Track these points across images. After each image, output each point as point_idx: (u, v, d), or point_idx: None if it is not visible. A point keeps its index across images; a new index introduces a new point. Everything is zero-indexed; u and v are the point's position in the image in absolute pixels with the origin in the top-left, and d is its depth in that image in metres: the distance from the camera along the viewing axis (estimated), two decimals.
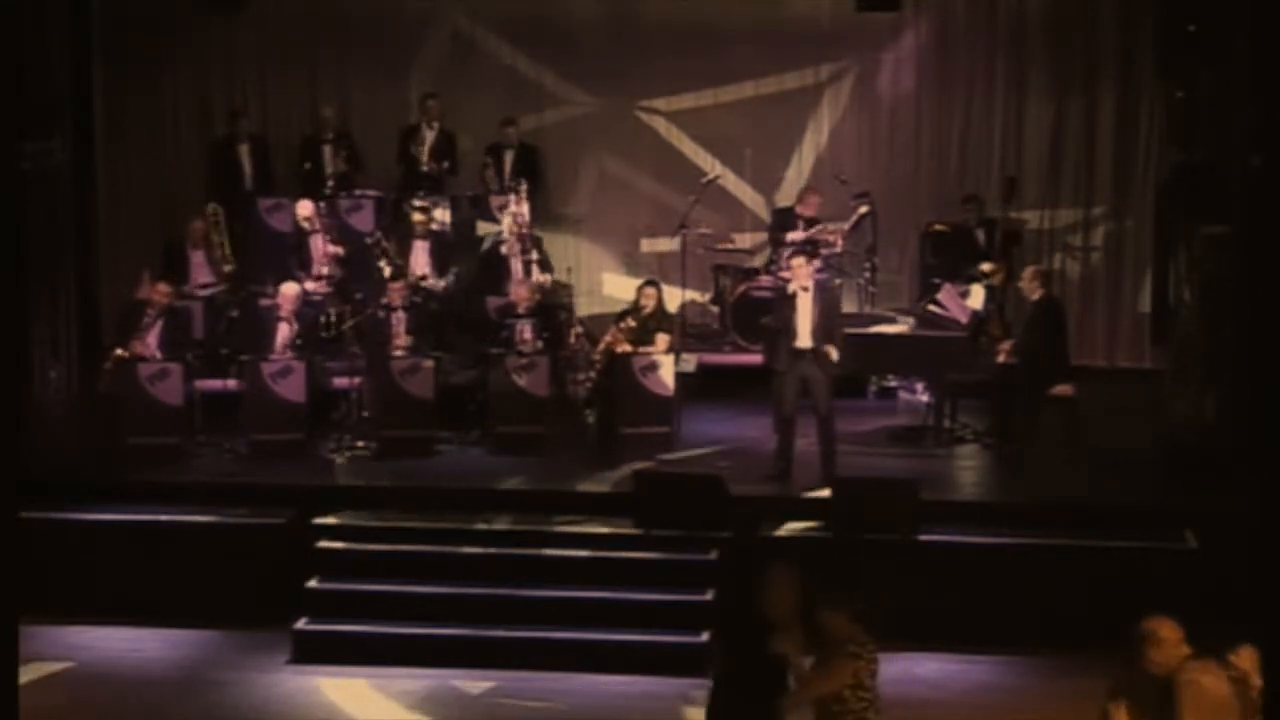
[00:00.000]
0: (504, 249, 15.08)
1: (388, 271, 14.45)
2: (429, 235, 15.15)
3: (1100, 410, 14.01)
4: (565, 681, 11.44)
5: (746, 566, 11.72)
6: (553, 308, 14.66)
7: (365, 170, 16.31)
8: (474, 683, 11.49)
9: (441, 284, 14.94)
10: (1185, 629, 7.73)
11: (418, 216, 15.14)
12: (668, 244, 16.46)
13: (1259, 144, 12.57)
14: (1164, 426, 13.73)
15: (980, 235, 15.68)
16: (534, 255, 14.95)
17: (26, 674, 11.17)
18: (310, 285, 14.67)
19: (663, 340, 14.01)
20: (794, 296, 12.90)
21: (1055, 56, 16.23)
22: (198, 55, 16.82)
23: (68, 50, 15.02)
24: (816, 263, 13.50)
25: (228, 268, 15.26)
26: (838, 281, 15.29)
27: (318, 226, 15.01)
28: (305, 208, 15.05)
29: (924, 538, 12.21)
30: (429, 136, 16.06)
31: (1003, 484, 13.30)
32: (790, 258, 13.58)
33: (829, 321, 12.98)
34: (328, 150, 16.01)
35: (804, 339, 12.85)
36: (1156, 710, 7.46)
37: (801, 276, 12.94)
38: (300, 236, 15.06)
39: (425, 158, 15.98)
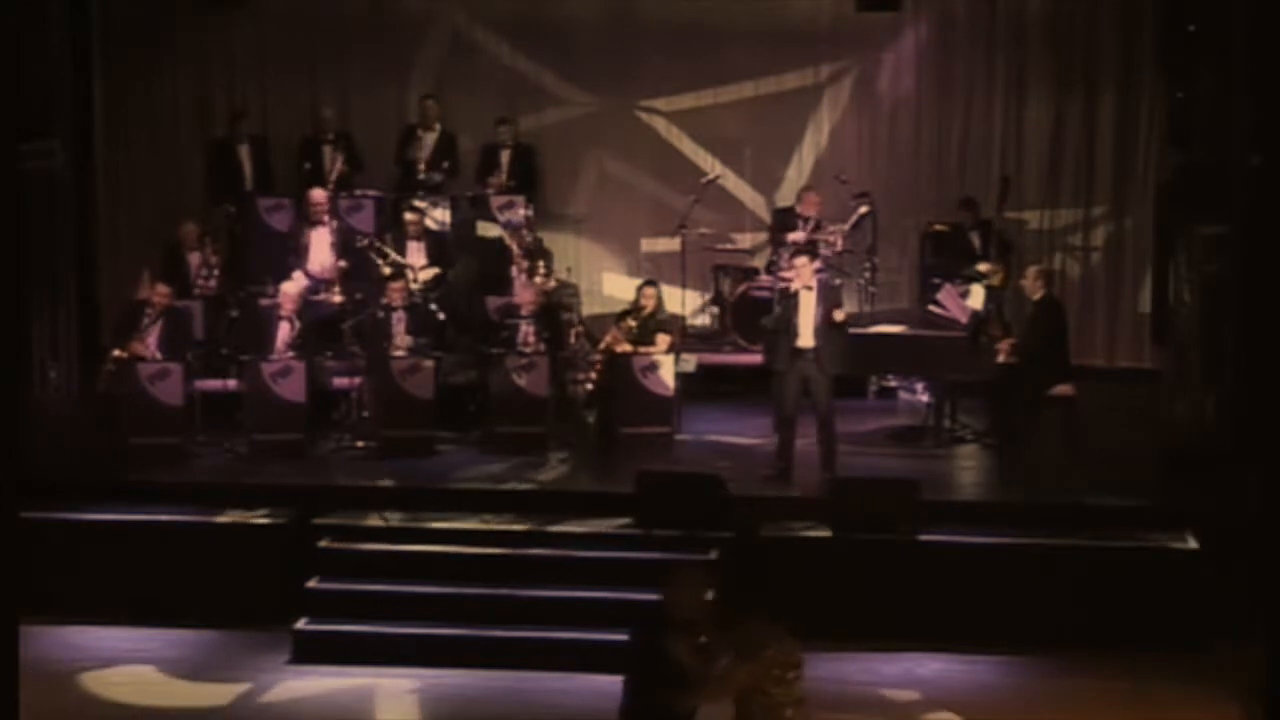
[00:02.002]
0: (508, 249, 15.10)
1: (388, 271, 14.47)
2: (423, 235, 15.15)
3: (1100, 410, 14.02)
4: (565, 681, 11.41)
5: (746, 566, 11.76)
6: (557, 309, 14.64)
7: (365, 170, 16.31)
8: (474, 683, 11.47)
9: (427, 274, 14.90)
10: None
11: (410, 216, 15.15)
12: (668, 244, 16.46)
13: (1259, 144, 12.58)
14: (1164, 426, 13.73)
15: (975, 239, 15.66)
16: (539, 261, 14.94)
17: (42, 676, 11.24)
18: (315, 276, 14.69)
19: (663, 340, 14.02)
20: (796, 296, 12.90)
21: (1055, 56, 16.23)
22: (198, 55, 16.83)
23: (68, 50, 15.03)
24: (818, 262, 13.52)
25: (216, 270, 15.20)
26: (838, 281, 15.29)
27: (325, 221, 15.01)
28: (319, 194, 15.09)
29: (924, 538, 12.21)
30: (428, 140, 16.04)
31: (1003, 484, 13.28)
32: (793, 257, 13.59)
33: (830, 320, 12.98)
34: (328, 150, 15.99)
35: (806, 338, 12.85)
36: None
37: (805, 276, 12.94)
38: (306, 225, 15.05)
39: (424, 166, 15.95)
